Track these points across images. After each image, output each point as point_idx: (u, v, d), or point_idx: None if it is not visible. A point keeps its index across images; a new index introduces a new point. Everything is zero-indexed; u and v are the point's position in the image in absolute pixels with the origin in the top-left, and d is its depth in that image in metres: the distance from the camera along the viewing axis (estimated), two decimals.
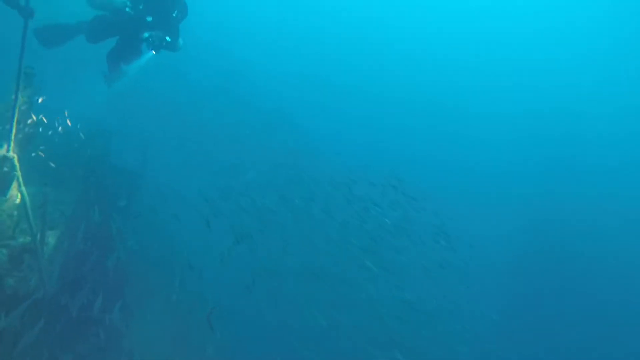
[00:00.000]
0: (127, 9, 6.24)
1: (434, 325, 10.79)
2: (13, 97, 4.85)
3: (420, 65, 24.98)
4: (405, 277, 10.75)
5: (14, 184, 4.96)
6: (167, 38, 6.40)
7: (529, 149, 24.11)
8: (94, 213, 6.79)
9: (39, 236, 4.63)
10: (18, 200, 4.87)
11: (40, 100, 6.00)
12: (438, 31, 25.34)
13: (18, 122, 5.01)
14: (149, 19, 6.28)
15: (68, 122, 7.36)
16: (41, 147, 5.84)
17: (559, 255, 17.87)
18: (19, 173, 4.77)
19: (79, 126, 7.56)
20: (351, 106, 22.57)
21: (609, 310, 15.51)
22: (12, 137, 4.85)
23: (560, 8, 23.78)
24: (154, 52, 6.63)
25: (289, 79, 20.85)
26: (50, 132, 7.06)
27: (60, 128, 7.25)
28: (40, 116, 6.06)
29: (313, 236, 10.86)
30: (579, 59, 24.90)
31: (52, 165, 6.33)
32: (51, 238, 5.11)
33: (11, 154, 4.81)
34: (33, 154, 5.87)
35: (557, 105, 24.90)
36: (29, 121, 5.78)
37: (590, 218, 19.80)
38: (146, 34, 6.33)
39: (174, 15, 6.47)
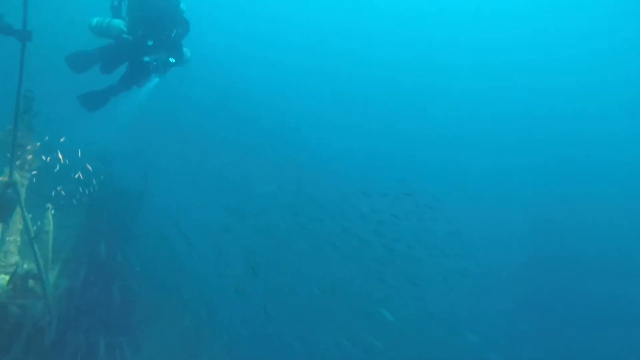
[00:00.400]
0: (124, 36, 6.36)
1: (461, 337, 10.61)
2: (13, 122, 4.98)
3: (421, 71, 25.08)
4: (426, 289, 10.64)
5: (17, 210, 5.05)
6: (171, 59, 6.46)
7: (535, 150, 23.97)
8: (100, 247, 6.85)
9: (43, 262, 4.68)
10: (20, 226, 4.95)
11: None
12: (442, 37, 25.53)
13: (18, 148, 5.13)
14: (150, 43, 6.39)
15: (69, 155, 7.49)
16: (33, 173, 5.92)
17: (574, 256, 17.55)
18: (21, 199, 4.86)
19: (80, 153, 7.69)
20: (354, 117, 22.64)
21: (633, 311, 15.13)
22: (13, 163, 4.97)
23: (560, 7, 23.93)
24: (158, 77, 6.72)
25: (289, 93, 21.02)
26: (48, 159, 7.19)
27: (60, 155, 7.38)
28: (38, 144, 6.19)
29: (328, 253, 10.82)
30: (585, 59, 24.87)
31: (62, 193, 6.43)
32: (56, 264, 5.16)
33: (14, 179, 4.92)
34: (34, 180, 5.97)
35: (563, 106, 24.83)
36: (29, 147, 5.91)
37: (607, 218, 19.50)
38: (147, 58, 6.42)
39: (173, 34, 6.55)
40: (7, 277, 4.59)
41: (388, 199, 13.00)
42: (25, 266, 4.76)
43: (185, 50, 6.72)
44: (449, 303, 11.84)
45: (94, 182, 7.52)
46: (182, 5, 6.69)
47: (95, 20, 6.47)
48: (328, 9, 24.61)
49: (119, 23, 6.39)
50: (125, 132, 10.96)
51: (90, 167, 7.59)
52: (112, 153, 8.55)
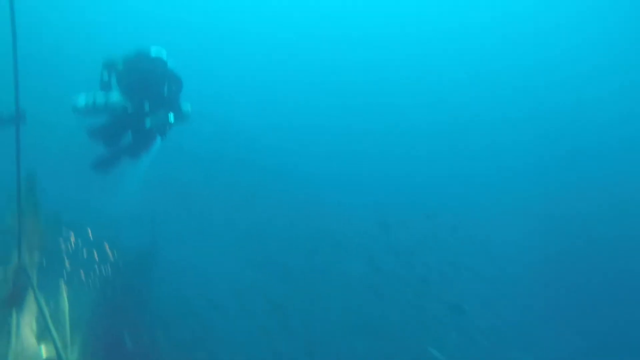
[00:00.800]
0: (128, 109, 6.35)
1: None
2: (16, 203, 4.96)
3: (416, 73, 24.87)
4: (467, 314, 10.19)
5: (30, 295, 4.94)
6: (170, 119, 6.42)
7: (543, 147, 23.48)
8: (126, 340, 6.71)
9: (61, 344, 4.51)
10: (35, 310, 4.82)
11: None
12: (440, 44, 25.44)
13: (25, 230, 5.09)
14: (147, 106, 6.41)
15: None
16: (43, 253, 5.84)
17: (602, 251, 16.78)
18: (33, 282, 4.76)
19: (90, 233, 7.67)
20: (351, 143, 22.35)
21: None
22: (22, 247, 4.91)
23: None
24: (161, 138, 6.74)
25: (285, 127, 20.83)
26: (58, 239, 7.17)
27: (72, 237, 7.37)
28: (44, 222, 6.16)
29: (356, 291, 10.46)
30: (578, 54, 24.90)
31: (82, 275, 6.36)
32: (75, 344, 4.98)
33: (23, 264, 4.84)
34: (44, 261, 5.90)
35: (576, 102, 24.64)
36: (36, 228, 5.87)
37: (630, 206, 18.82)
38: (148, 124, 6.40)
39: (165, 92, 6.60)
40: None
41: (408, 225, 12.78)
42: (43, 350, 4.59)
43: (185, 105, 6.73)
44: (493, 325, 11.33)
45: (108, 255, 7.46)
46: (170, 63, 6.80)
47: (83, 101, 6.38)
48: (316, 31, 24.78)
49: (117, 97, 6.40)
50: (131, 197, 10.99)
51: (108, 247, 7.57)
52: (120, 218, 8.55)
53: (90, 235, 7.32)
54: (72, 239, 7.13)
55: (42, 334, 4.59)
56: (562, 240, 17.62)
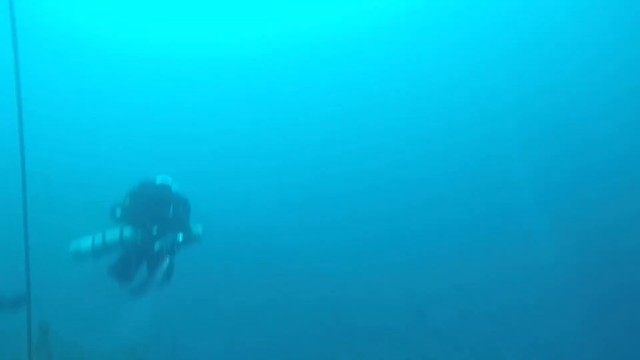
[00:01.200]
0: (139, 242, 6.45)
1: None
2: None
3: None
4: None
5: None
6: (179, 238, 6.52)
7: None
8: None
9: None
10: None
11: None
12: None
13: None
14: (155, 231, 6.49)
15: None
16: None
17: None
18: None
19: None
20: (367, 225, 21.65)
21: None
22: None
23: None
24: (170, 258, 6.70)
25: (299, 221, 20.35)
26: None
27: None
28: None
29: None
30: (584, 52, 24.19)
31: None
32: None
33: None
34: None
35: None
36: None
37: None
38: (157, 247, 6.47)
39: (170, 214, 6.60)
40: None
41: (442, 303, 12.11)
42: None
43: (196, 227, 6.76)
44: None
45: None
46: (174, 187, 6.99)
47: (88, 244, 6.44)
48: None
49: (128, 231, 6.46)
50: (148, 318, 10.53)
51: None
52: (140, 342, 8.14)
53: None
54: None
55: None
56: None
